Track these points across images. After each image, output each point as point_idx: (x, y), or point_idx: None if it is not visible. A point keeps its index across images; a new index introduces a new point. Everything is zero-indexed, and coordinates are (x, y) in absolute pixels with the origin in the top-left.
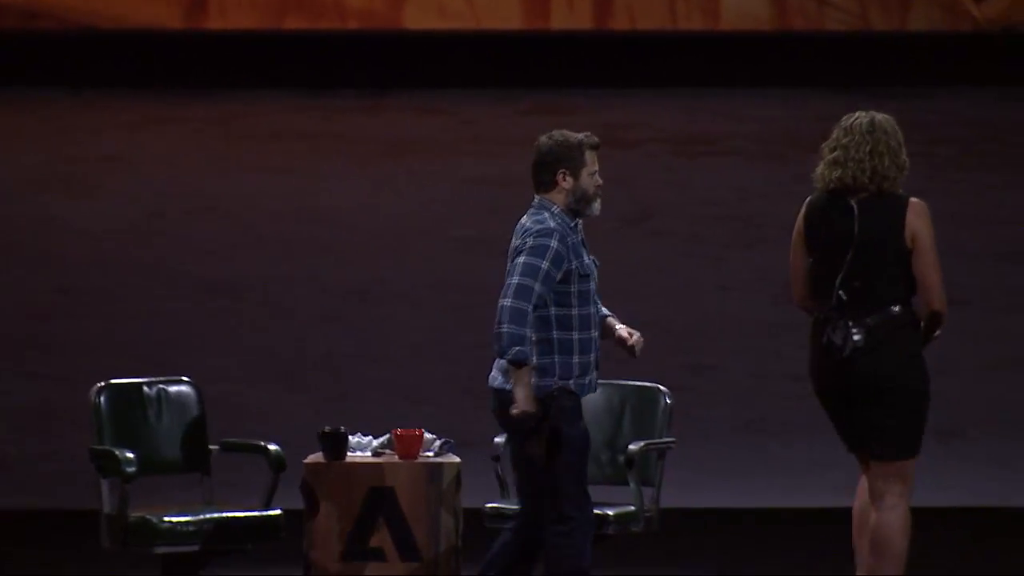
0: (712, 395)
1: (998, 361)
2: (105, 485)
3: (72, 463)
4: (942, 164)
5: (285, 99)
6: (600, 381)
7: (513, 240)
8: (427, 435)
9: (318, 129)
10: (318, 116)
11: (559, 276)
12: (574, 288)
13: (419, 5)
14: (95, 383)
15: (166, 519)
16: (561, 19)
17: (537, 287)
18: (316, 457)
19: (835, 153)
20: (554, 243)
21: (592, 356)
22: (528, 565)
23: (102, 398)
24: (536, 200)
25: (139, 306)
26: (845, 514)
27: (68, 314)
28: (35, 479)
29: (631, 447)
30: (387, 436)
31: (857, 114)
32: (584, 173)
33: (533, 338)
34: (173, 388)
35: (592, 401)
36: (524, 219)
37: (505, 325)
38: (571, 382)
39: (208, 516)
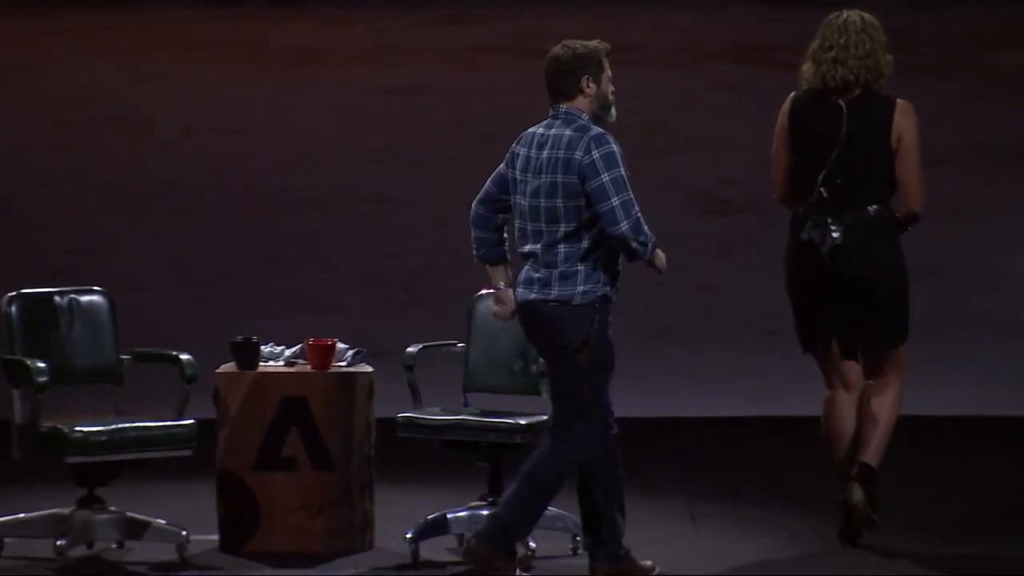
0: (619, 305)
1: None
2: (16, 395)
3: None
4: None
5: (195, 8)
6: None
7: (544, 151)
8: (340, 345)
9: (228, 38)
10: (228, 25)
11: None
12: None
13: None
14: (5, 293)
15: (77, 429)
16: None
17: (631, 194)
18: (229, 367)
19: (833, 52)
20: (616, 147)
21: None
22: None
23: (13, 308)
24: (562, 109)
25: (48, 215)
26: (753, 421)
27: None
28: None
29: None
30: (300, 346)
31: (845, 13)
32: (604, 79)
33: (586, 244)
34: (84, 298)
35: None
36: (556, 130)
37: (634, 242)
38: (611, 289)
39: (120, 426)
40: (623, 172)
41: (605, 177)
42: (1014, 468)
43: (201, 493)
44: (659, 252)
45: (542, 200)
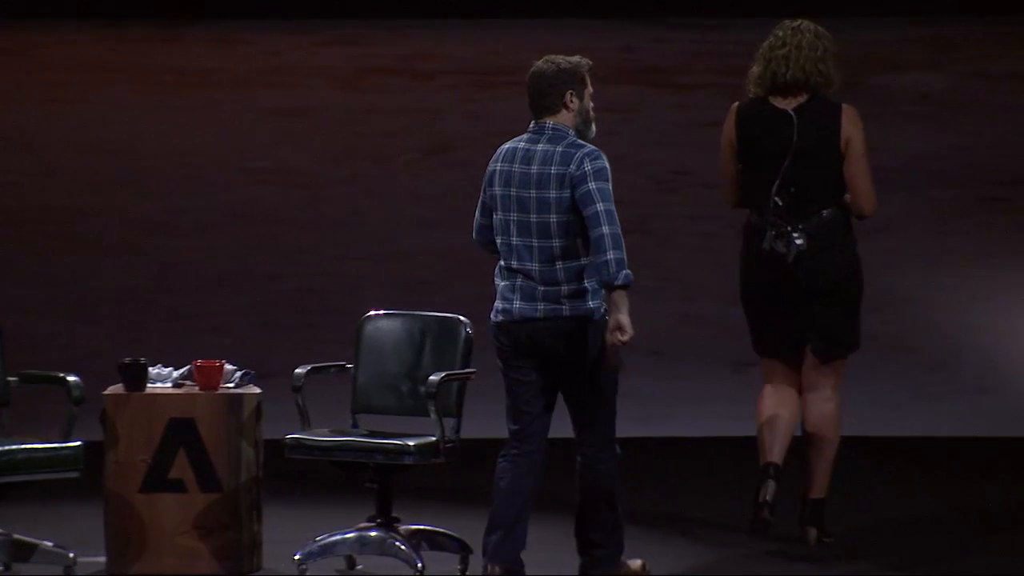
0: None
1: None
2: None
3: None
4: (739, 94)
5: (81, 29)
6: (400, 312)
7: (533, 166)
8: (227, 366)
9: (115, 59)
10: (115, 46)
11: None
12: None
13: None
14: None
15: None
16: None
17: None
18: (116, 388)
19: (785, 49)
20: (606, 162)
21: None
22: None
23: None
24: (548, 124)
25: None
26: (642, 443)
27: None
28: None
29: (431, 378)
30: (187, 367)
31: (798, 20)
32: (586, 94)
33: (583, 261)
34: None
35: (392, 331)
36: (545, 145)
37: (610, 252)
38: (603, 305)
39: (6, 448)
40: (610, 187)
41: (592, 185)
42: (899, 487)
43: (89, 515)
44: (626, 314)
45: (532, 216)
